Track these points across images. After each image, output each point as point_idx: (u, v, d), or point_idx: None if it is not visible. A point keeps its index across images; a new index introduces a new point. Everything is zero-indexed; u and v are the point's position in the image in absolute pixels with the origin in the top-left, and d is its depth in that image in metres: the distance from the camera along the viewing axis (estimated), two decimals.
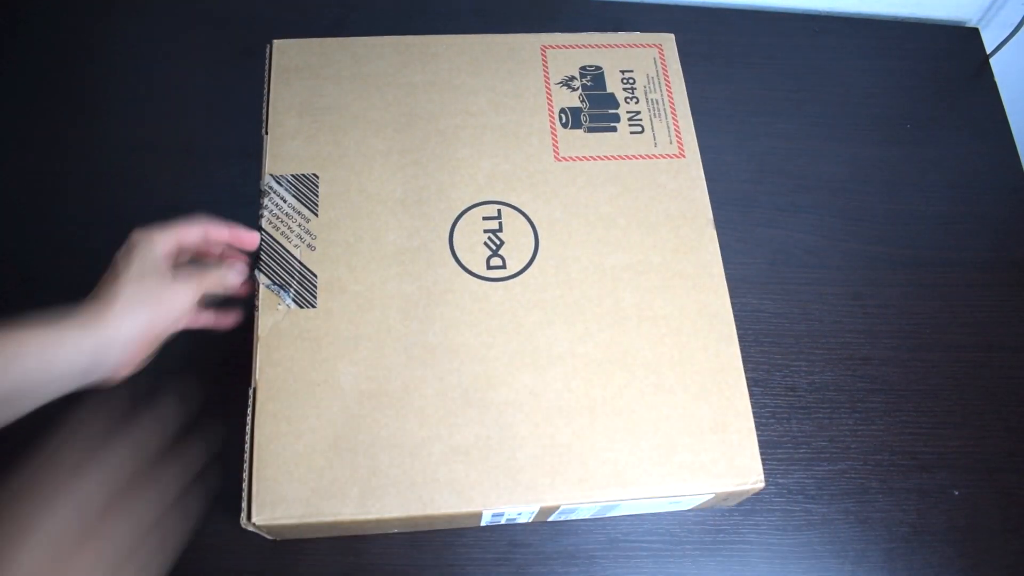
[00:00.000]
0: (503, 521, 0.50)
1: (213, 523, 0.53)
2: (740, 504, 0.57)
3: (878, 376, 0.63)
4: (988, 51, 0.80)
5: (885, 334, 0.65)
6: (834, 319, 0.65)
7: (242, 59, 0.70)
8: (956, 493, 0.59)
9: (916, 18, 0.82)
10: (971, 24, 0.82)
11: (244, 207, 0.63)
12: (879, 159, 0.73)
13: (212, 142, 0.67)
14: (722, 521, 0.57)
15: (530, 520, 0.50)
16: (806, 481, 0.59)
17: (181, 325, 0.48)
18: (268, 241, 0.51)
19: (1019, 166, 0.74)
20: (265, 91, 0.55)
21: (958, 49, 0.80)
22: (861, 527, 0.58)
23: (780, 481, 0.59)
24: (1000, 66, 0.79)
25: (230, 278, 0.49)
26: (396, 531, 0.53)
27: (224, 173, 0.66)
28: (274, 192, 0.52)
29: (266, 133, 0.54)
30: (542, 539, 0.55)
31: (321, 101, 0.55)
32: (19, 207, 0.63)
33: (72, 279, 0.60)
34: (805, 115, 0.74)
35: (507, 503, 0.45)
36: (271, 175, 0.52)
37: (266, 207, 0.52)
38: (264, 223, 0.51)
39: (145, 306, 0.45)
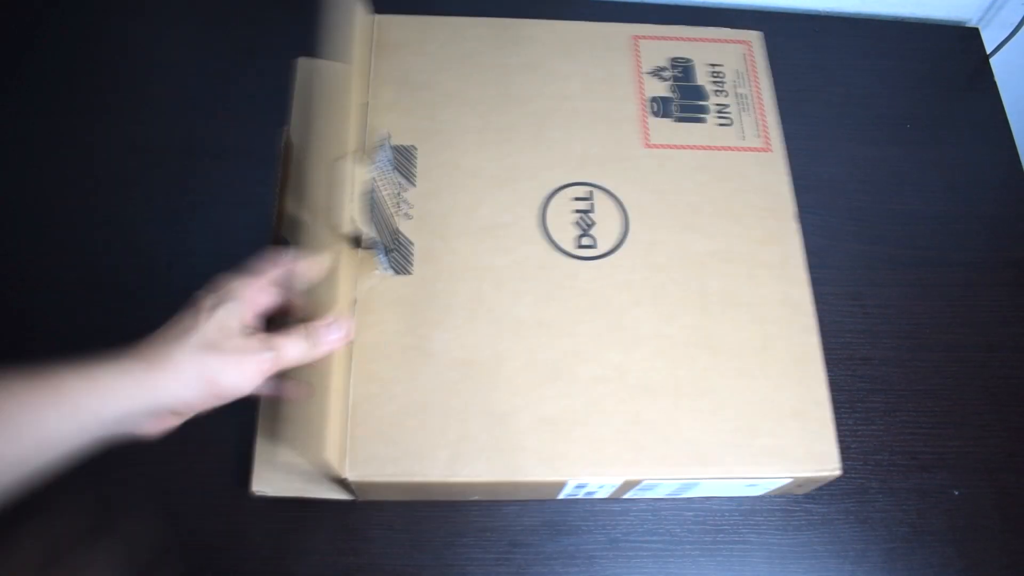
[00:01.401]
0: (581, 495, 0.50)
1: (210, 522, 0.53)
2: (740, 504, 0.57)
3: (878, 376, 0.63)
4: (988, 51, 0.80)
5: (885, 334, 0.65)
6: (834, 319, 0.65)
7: (243, 59, 0.70)
8: (956, 493, 0.59)
9: (916, 18, 0.82)
10: (971, 24, 0.82)
11: (243, 207, 0.63)
12: (879, 159, 0.73)
13: (212, 142, 0.67)
14: (722, 521, 0.57)
15: (608, 495, 0.51)
16: None
17: (246, 391, 0.41)
18: (373, 203, 0.50)
19: (1019, 166, 0.74)
20: (363, 62, 0.55)
21: (958, 49, 0.80)
22: (861, 527, 0.58)
23: None
24: (1000, 66, 0.79)
25: (319, 348, 0.43)
26: (476, 498, 0.54)
27: (224, 173, 0.66)
28: (382, 155, 0.52)
29: (366, 103, 0.54)
30: (542, 539, 0.55)
31: (418, 77, 0.57)
32: (19, 207, 0.63)
33: (72, 279, 0.60)
34: (805, 115, 0.74)
35: (591, 475, 0.46)
36: (380, 137, 0.53)
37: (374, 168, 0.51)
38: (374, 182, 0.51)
39: (217, 356, 0.39)
